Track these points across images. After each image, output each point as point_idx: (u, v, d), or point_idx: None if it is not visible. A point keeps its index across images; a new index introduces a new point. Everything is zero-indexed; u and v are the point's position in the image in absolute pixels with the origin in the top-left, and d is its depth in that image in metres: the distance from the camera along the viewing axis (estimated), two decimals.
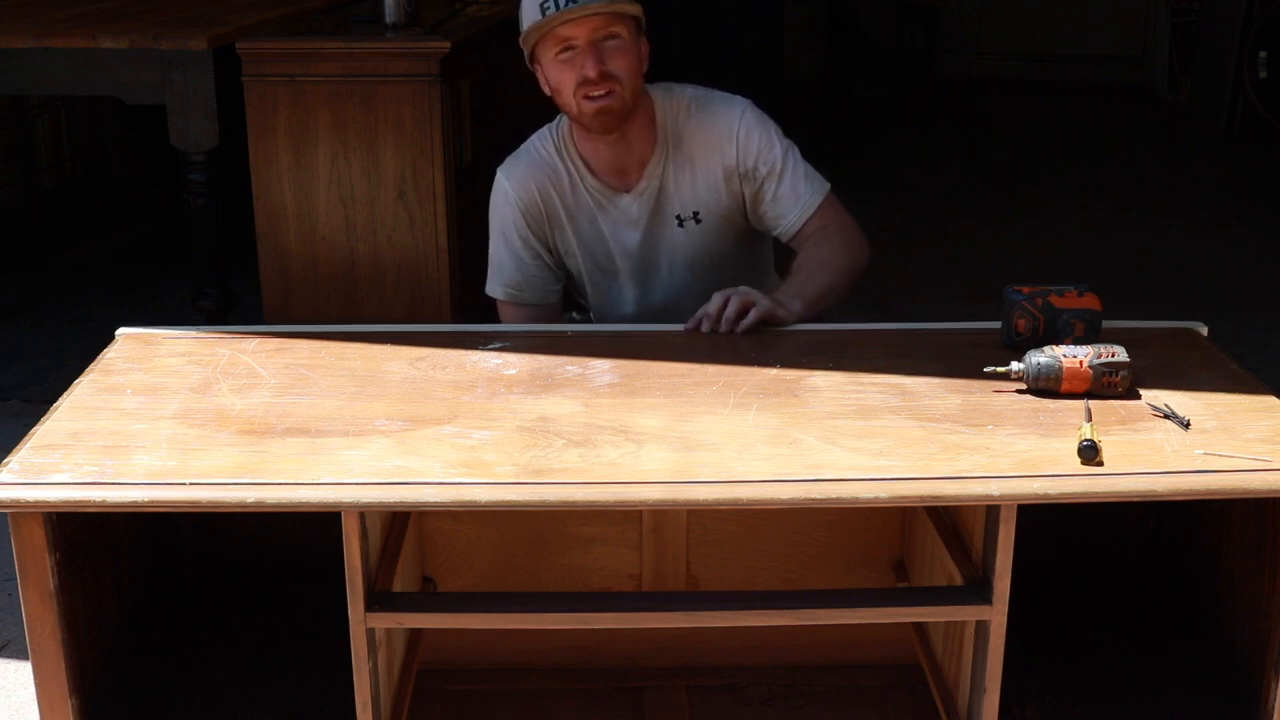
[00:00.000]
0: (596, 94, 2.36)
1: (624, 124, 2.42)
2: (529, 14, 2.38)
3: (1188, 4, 7.86)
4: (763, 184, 2.48)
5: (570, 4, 2.32)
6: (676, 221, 2.51)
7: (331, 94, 3.32)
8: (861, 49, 8.57)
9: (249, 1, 4.07)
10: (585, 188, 2.50)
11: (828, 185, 2.52)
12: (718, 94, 2.54)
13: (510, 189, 2.53)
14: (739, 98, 2.54)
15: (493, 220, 2.57)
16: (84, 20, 3.72)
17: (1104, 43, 8.68)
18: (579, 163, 2.50)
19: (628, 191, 2.50)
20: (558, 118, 2.54)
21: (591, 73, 2.34)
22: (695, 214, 2.50)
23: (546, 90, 2.46)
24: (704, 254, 2.54)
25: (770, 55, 6.56)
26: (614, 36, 2.36)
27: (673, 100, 2.49)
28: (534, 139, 2.56)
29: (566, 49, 2.36)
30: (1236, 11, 6.81)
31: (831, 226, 2.48)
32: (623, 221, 2.51)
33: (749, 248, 2.61)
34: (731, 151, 2.47)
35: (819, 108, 7.48)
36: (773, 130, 2.50)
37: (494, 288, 2.59)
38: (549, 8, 2.33)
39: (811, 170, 2.52)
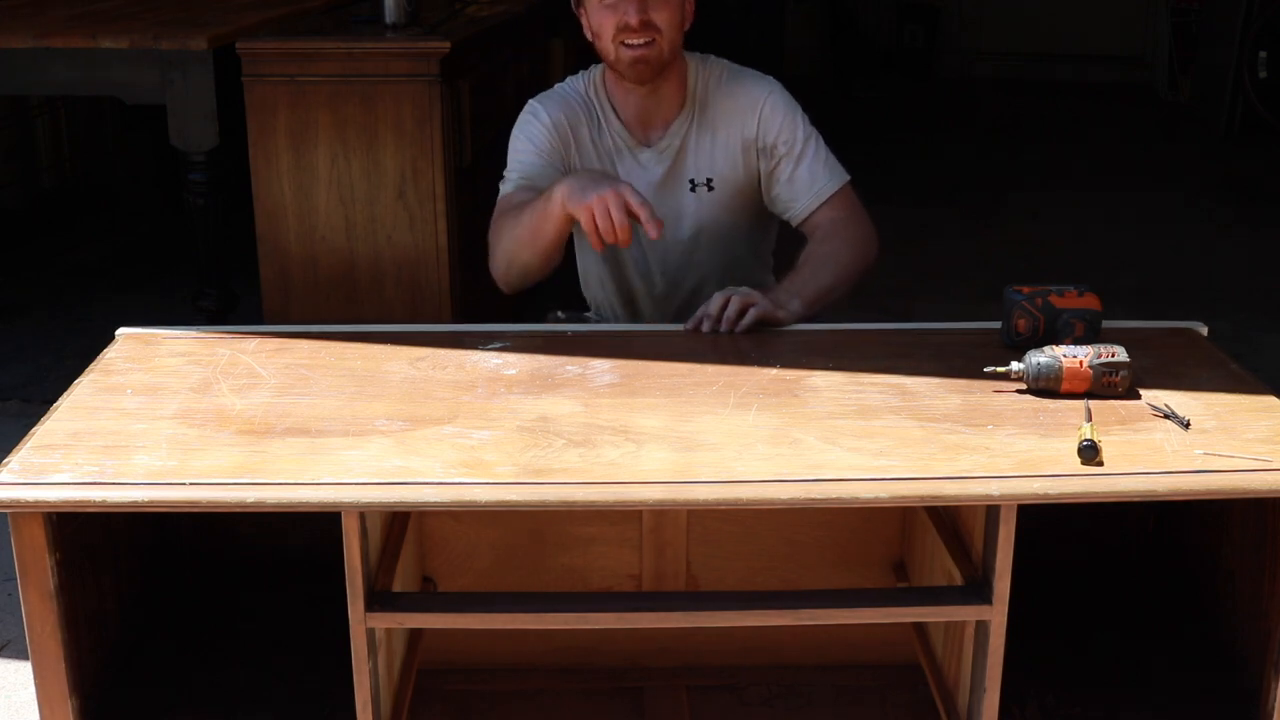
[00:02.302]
0: (635, 41, 2.38)
1: (658, 77, 2.44)
2: None
3: (1188, 4, 7.86)
4: (780, 163, 2.49)
5: None
6: (690, 185, 2.52)
7: (331, 94, 3.31)
8: (861, 49, 8.57)
9: (249, 1, 4.07)
10: (610, 132, 2.52)
11: (847, 177, 2.53)
12: (752, 71, 2.57)
13: (540, 110, 2.53)
14: (771, 78, 2.56)
15: (517, 137, 2.54)
16: (84, 20, 3.72)
17: (1104, 43, 8.68)
18: (608, 108, 2.52)
19: (649, 146, 2.51)
20: (592, 66, 2.56)
21: (633, 20, 2.37)
22: (709, 180, 2.52)
23: (589, 35, 2.48)
24: (709, 223, 2.54)
25: (770, 55, 6.55)
26: None
27: (707, 67, 2.53)
28: (566, 81, 2.58)
29: None
30: (1236, 11, 6.82)
31: (842, 220, 2.48)
32: (639, 175, 2.51)
33: (754, 230, 2.61)
34: (753, 124, 2.48)
35: (819, 108, 7.42)
36: (798, 113, 2.52)
37: (507, 184, 2.52)
38: None
39: (833, 160, 2.53)
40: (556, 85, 2.59)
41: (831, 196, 2.49)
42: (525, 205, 2.37)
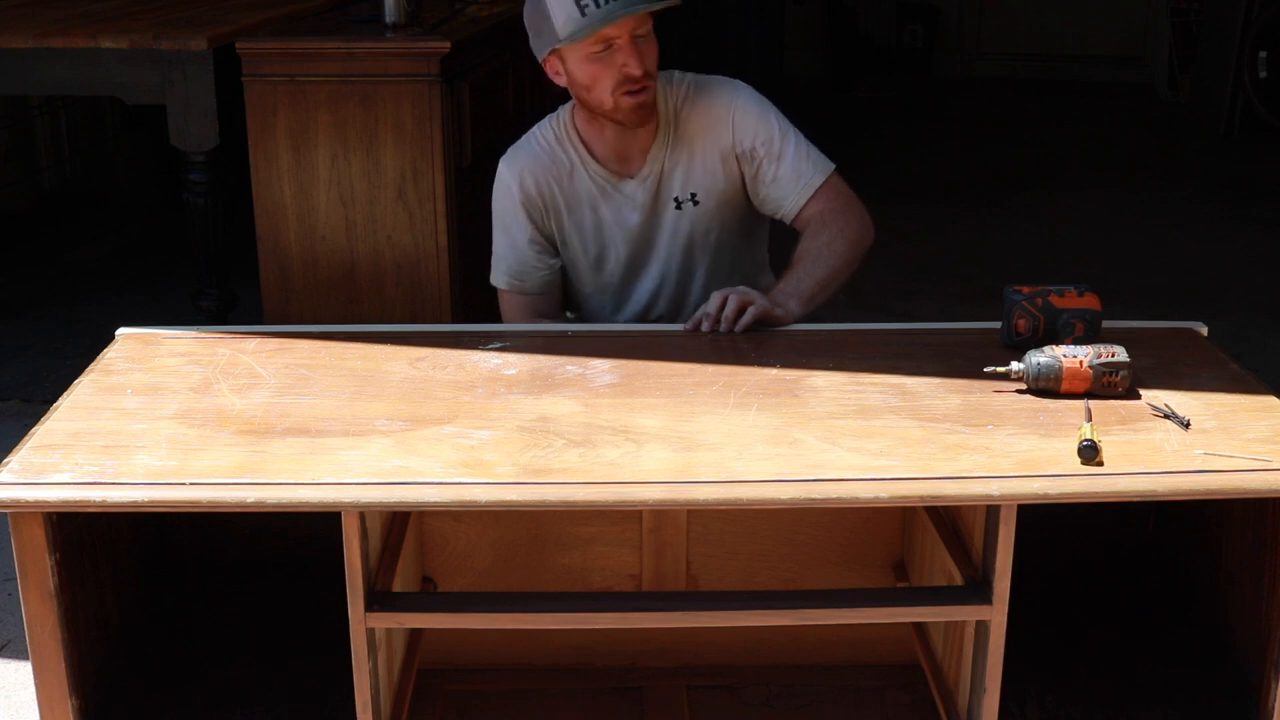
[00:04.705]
0: (636, 90, 2.37)
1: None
2: (563, 10, 2.32)
3: (1188, 4, 7.86)
4: (761, 164, 2.48)
5: (620, 5, 2.30)
6: (674, 204, 2.52)
7: (331, 94, 3.31)
8: (861, 48, 8.57)
9: (249, 1, 4.07)
10: (588, 174, 2.51)
11: (831, 166, 2.52)
12: (715, 78, 2.55)
13: (511, 180, 2.53)
14: (737, 81, 2.55)
15: (495, 211, 2.58)
16: (84, 20, 3.72)
17: (1104, 43, 8.68)
18: (581, 150, 2.51)
19: (632, 177, 2.51)
20: (560, 108, 2.55)
21: (637, 71, 2.35)
22: (693, 195, 2.51)
23: (560, 81, 2.44)
24: (699, 237, 2.54)
25: (770, 55, 6.55)
26: (646, 33, 2.38)
27: (672, 86, 2.51)
28: (535, 130, 2.57)
29: (605, 48, 2.35)
30: (1236, 11, 6.81)
31: (833, 210, 2.47)
32: (626, 207, 2.52)
33: (744, 235, 2.61)
34: (728, 133, 2.48)
35: (819, 107, 7.48)
36: (770, 111, 2.51)
37: (497, 278, 2.60)
38: (589, 6, 2.30)
39: (815, 151, 2.52)
40: (526, 135, 2.57)
41: (819, 189, 2.48)
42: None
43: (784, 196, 2.49)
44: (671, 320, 2.56)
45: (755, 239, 2.66)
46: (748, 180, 2.51)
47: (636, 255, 2.57)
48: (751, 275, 2.61)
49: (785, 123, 2.51)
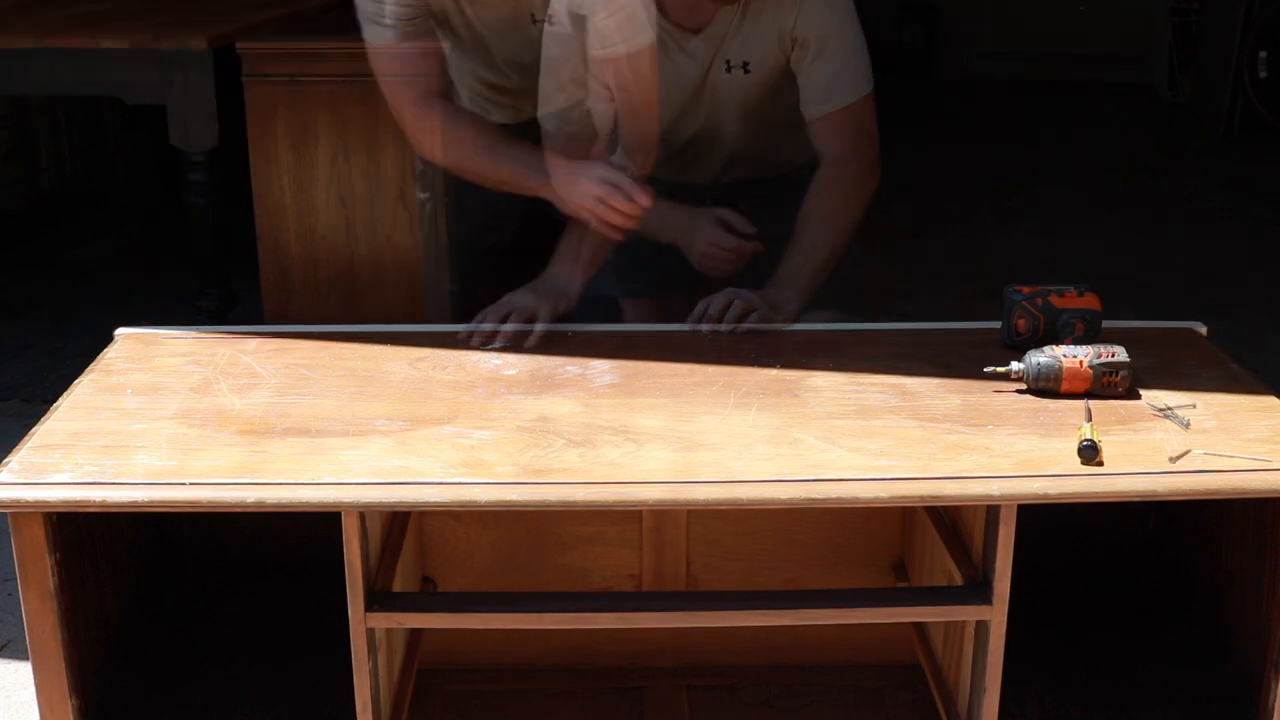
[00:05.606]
0: None
1: None
2: None
3: (1188, 4, 7.86)
4: (806, 55, 2.48)
5: None
6: (725, 66, 2.51)
7: (331, 94, 3.31)
8: None
9: (249, 1, 4.07)
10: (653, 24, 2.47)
11: (866, 89, 2.51)
12: None
13: (568, 20, 2.44)
14: None
15: (548, 52, 2.48)
16: (84, 20, 3.72)
17: (1104, 43, 8.68)
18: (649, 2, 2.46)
19: (697, 33, 2.49)
20: None
21: None
22: (745, 64, 2.51)
23: None
24: (742, 104, 2.55)
25: None
26: None
27: None
28: None
29: None
30: (1236, 11, 6.82)
31: (841, 154, 2.46)
32: (685, 62, 2.51)
33: (783, 108, 2.59)
34: (792, 16, 2.47)
35: None
36: (838, 9, 2.50)
37: (545, 118, 2.51)
38: None
39: (859, 69, 2.50)
40: None
41: (839, 110, 2.48)
42: (498, 148, 2.45)
43: (810, 99, 2.49)
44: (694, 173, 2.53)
45: (793, 98, 2.62)
46: (793, 62, 2.51)
47: (681, 105, 2.55)
48: (780, 134, 2.60)
49: (847, 27, 2.50)
